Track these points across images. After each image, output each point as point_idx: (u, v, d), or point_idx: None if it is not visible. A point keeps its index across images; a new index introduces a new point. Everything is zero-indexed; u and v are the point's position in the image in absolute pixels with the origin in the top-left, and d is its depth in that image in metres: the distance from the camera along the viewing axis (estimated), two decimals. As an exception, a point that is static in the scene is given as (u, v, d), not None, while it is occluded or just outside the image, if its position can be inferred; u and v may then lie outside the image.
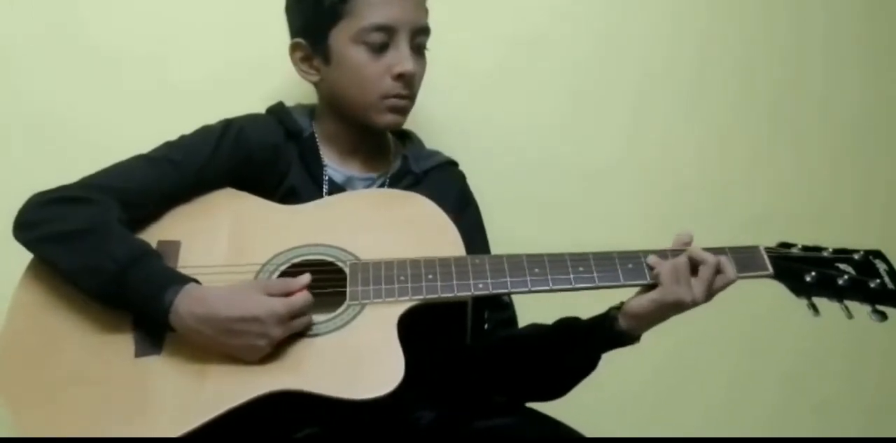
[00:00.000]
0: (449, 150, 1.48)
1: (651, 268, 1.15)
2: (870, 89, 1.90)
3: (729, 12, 1.83)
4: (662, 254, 1.16)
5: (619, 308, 1.18)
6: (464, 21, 1.64)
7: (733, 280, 1.14)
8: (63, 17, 1.56)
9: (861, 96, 1.89)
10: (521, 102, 1.73)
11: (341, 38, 1.29)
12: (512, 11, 1.72)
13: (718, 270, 1.14)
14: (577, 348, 1.22)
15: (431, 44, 1.35)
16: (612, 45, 1.78)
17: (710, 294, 1.14)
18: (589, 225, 1.72)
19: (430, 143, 1.48)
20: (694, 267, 1.14)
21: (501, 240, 1.44)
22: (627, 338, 1.18)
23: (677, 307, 1.14)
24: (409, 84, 1.30)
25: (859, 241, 1.21)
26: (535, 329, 1.30)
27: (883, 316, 1.11)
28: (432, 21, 1.34)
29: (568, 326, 1.24)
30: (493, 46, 1.70)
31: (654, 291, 1.14)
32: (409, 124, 1.41)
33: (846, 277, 1.13)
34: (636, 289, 1.18)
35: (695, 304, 1.13)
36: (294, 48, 1.35)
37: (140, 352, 1.14)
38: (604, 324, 1.19)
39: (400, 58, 1.28)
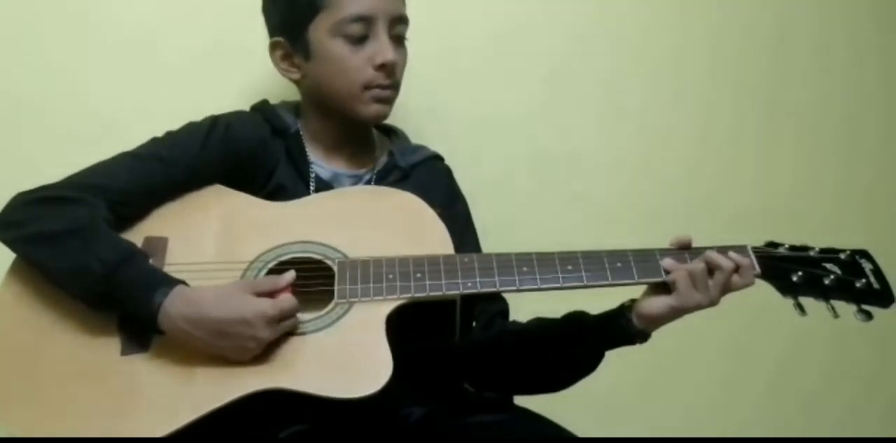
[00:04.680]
0: (434, 144, 1.47)
1: (667, 271, 1.15)
2: (857, 86, 1.90)
3: (716, 5, 1.82)
4: (678, 256, 1.16)
5: (630, 307, 1.19)
6: (445, 14, 1.63)
7: (751, 284, 1.16)
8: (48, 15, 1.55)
9: (848, 93, 1.90)
10: (506, 96, 1.72)
11: (320, 32, 1.29)
12: (493, 3, 1.72)
13: (736, 272, 1.15)
14: (586, 344, 1.22)
15: (414, 38, 1.35)
16: (611, 45, 1.78)
17: (722, 295, 1.16)
18: (576, 220, 1.72)
19: (415, 138, 1.48)
20: (710, 270, 1.15)
21: (489, 236, 1.44)
22: (640, 337, 1.19)
23: (693, 310, 1.15)
24: (391, 73, 1.30)
25: (844, 238, 1.22)
26: (542, 323, 1.30)
27: (868, 316, 1.12)
28: (414, 15, 1.34)
29: (577, 320, 1.25)
30: (477, 40, 1.70)
31: (670, 296, 1.15)
32: (394, 120, 1.40)
33: (832, 276, 1.14)
34: (623, 287, 1.18)
35: (710, 306, 1.15)
36: (273, 47, 1.34)
37: (126, 350, 1.14)
38: (617, 322, 1.19)
39: (380, 48, 1.28)
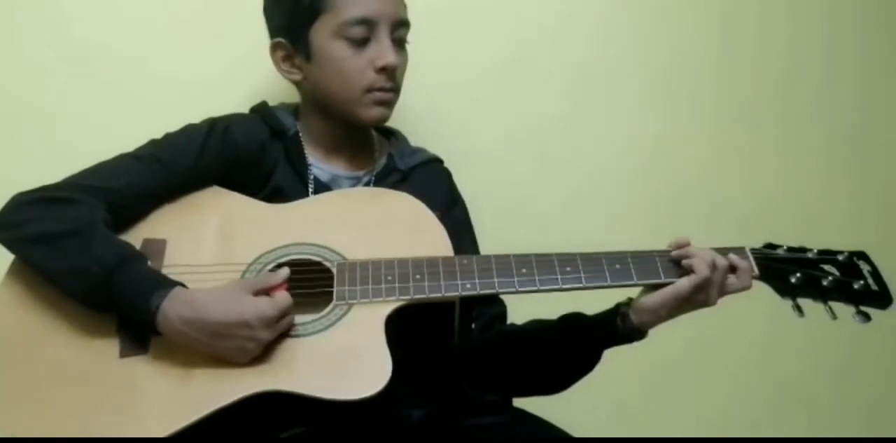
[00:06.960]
0: (433, 147, 1.47)
1: (677, 264, 1.16)
2: (865, 90, 1.91)
3: (726, 14, 1.83)
4: (685, 255, 1.16)
5: (628, 304, 1.19)
6: (449, 18, 1.64)
7: (748, 287, 1.16)
8: (46, 16, 1.54)
9: (857, 98, 1.90)
10: (506, 99, 1.72)
11: (322, 34, 1.29)
12: (494, 3, 1.72)
13: (732, 274, 1.16)
14: (583, 343, 1.22)
15: (419, 41, 1.35)
16: (608, 44, 1.78)
17: (720, 296, 1.16)
18: (577, 224, 1.72)
19: (415, 140, 1.48)
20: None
21: (488, 237, 1.44)
22: (637, 334, 1.19)
23: (696, 307, 1.16)
24: (392, 77, 1.30)
25: (854, 242, 1.22)
26: (540, 324, 1.30)
27: (866, 317, 1.13)
28: (422, 18, 1.34)
29: (574, 320, 1.25)
30: (479, 43, 1.70)
31: (671, 287, 1.14)
32: (394, 122, 1.40)
33: (830, 278, 1.15)
34: (622, 289, 1.18)
35: (707, 306, 1.16)
36: (275, 48, 1.34)
37: (125, 352, 1.14)
38: (613, 319, 1.19)
39: (382, 51, 1.28)
